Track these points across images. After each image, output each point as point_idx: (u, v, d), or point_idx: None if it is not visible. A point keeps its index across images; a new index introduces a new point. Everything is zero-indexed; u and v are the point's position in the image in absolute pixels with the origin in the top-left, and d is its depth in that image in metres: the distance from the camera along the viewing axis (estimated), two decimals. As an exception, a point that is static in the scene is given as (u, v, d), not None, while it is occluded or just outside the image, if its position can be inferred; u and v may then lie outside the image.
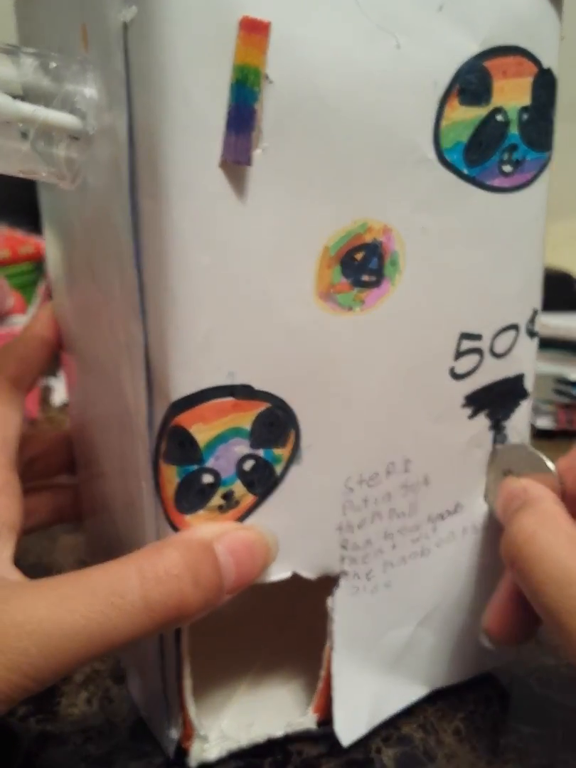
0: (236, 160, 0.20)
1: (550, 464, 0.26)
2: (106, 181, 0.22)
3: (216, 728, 0.27)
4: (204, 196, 0.20)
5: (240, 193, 0.20)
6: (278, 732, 0.27)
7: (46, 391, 0.59)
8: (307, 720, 0.27)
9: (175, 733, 0.25)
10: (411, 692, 0.29)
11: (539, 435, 0.58)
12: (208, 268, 0.21)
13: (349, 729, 0.26)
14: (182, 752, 0.26)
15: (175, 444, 0.22)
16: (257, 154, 0.20)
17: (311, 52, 0.20)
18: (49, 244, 0.30)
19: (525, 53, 0.23)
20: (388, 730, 0.28)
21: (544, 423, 0.58)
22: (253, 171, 0.20)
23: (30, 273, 0.62)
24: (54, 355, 0.31)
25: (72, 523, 0.36)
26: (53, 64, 0.22)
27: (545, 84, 0.24)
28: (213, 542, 0.22)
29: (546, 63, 0.24)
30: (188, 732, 0.25)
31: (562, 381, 0.61)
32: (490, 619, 0.26)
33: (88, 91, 0.22)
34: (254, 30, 0.19)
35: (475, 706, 0.30)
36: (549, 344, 0.69)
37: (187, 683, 0.25)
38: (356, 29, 0.21)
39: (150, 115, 0.20)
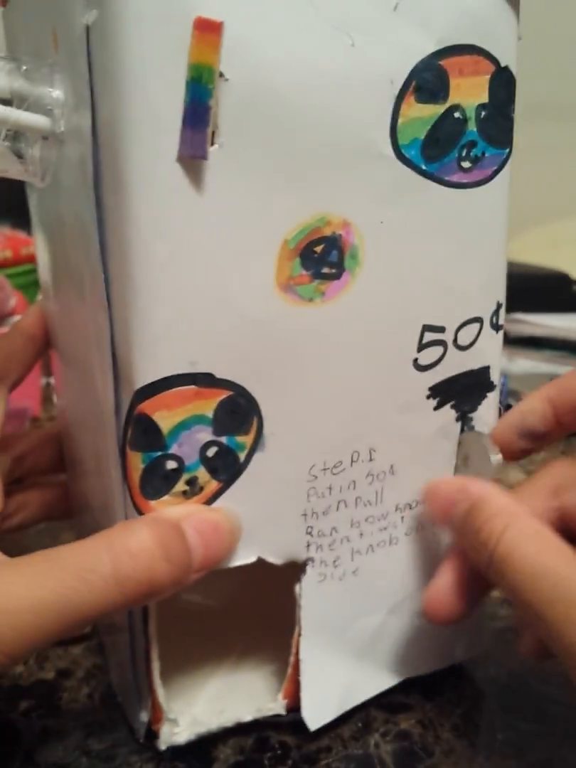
0: (192, 154, 0.21)
1: (493, 456, 0.27)
2: (75, 179, 0.23)
3: (188, 713, 0.27)
4: (162, 190, 0.21)
5: (197, 187, 0.21)
6: (247, 717, 0.27)
7: (48, 390, 0.60)
8: (276, 706, 0.27)
9: (144, 716, 0.26)
10: (382, 681, 0.29)
11: None
12: (167, 259, 0.21)
13: (316, 714, 0.27)
14: (152, 735, 0.26)
15: (140, 431, 0.23)
16: (215, 149, 0.21)
17: (266, 51, 0.21)
18: (37, 244, 0.31)
19: (482, 52, 0.24)
20: (386, 725, 0.29)
21: None
22: (211, 165, 0.21)
23: (32, 273, 0.63)
24: (41, 352, 0.32)
25: (62, 519, 0.36)
26: (24, 68, 0.23)
27: (503, 82, 0.25)
28: (181, 521, 0.23)
29: (503, 61, 0.25)
30: (157, 715, 0.26)
31: None
32: (430, 600, 0.26)
33: (56, 92, 0.23)
34: (207, 30, 0.20)
35: (473, 702, 0.30)
36: (546, 344, 0.73)
37: (155, 666, 0.25)
38: (311, 29, 0.21)
39: (111, 113, 0.21)
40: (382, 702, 0.30)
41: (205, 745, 0.27)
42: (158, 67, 0.20)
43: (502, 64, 0.25)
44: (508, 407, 0.65)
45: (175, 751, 0.27)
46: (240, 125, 0.21)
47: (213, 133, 0.21)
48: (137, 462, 0.23)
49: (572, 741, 0.29)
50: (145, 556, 0.21)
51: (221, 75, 0.21)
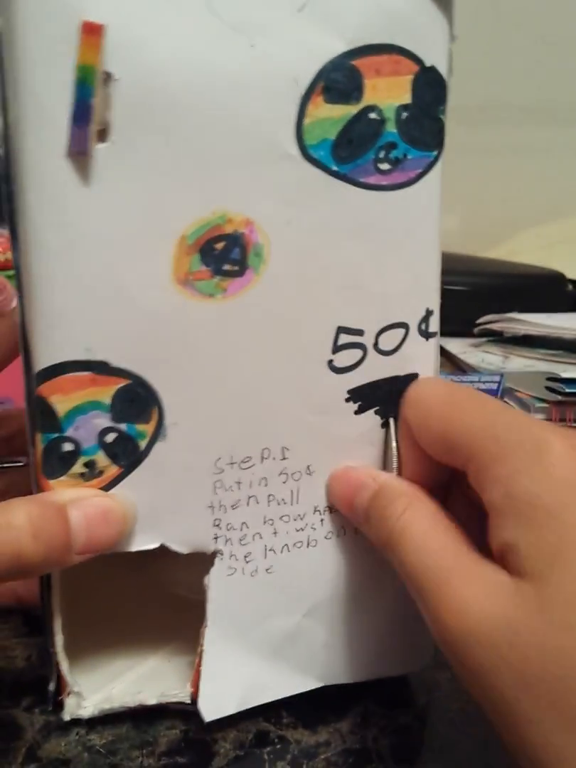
0: (79, 151, 0.21)
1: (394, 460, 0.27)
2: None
3: (106, 689, 0.28)
4: (53, 184, 0.22)
5: (87, 182, 0.22)
6: (152, 701, 0.28)
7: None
8: (181, 693, 0.28)
9: (51, 686, 0.27)
10: (298, 683, 0.29)
11: None
12: (59, 249, 0.22)
13: (212, 706, 0.27)
14: (59, 705, 0.27)
15: (39, 412, 0.24)
16: (106, 146, 0.22)
17: (157, 52, 0.22)
18: None
19: (403, 51, 0.23)
20: (385, 720, 0.29)
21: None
22: (101, 161, 0.22)
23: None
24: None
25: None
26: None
27: (429, 82, 0.24)
28: (68, 504, 0.24)
29: (429, 61, 0.24)
30: (63, 686, 0.27)
31: (554, 379, 0.61)
32: None
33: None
34: (91, 32, 0.21)
35: (471, 697, 0.30)
36: (541, 343, 0.73)
37: (58, 639, 0.26)
38: (206, 29, 0.22)
39: (13, 112, 0.22)
40: (380, 697, 0.30)
41: (205, 740, 0.28)
42: (50, 68, 0.21)
43: (427, 64, 0.24)
44: None
45: (176, 746, 0.27)
46: (131, 123, 0.22)
47: (104, 131, 0.22)
48: (39, 442, 0.24)
49: None
50: (14, 532, 0.22)
51: (110, 75, 0.21)
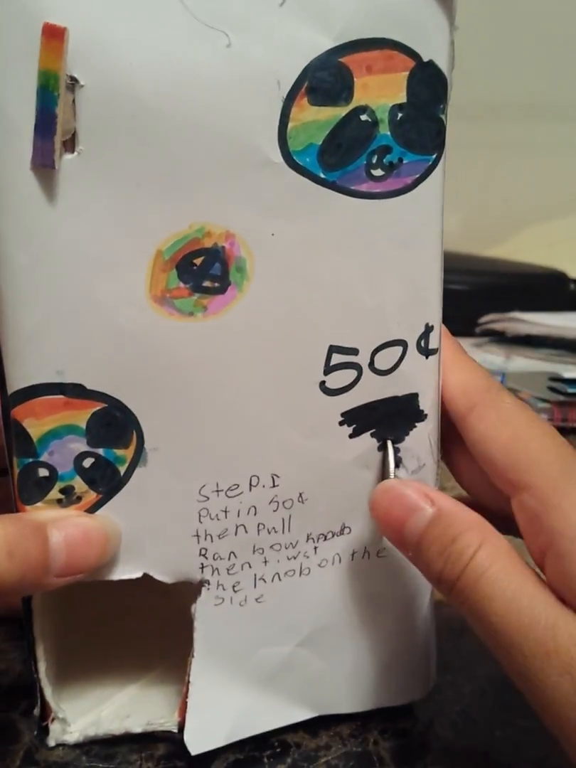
0: (42, 163, 0.20)
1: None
2: None
3: (94, 713, 0.27)
4: (19, 199, 0.21)
5: (54, 196, 0.21)
6: (138, 729, 0.27)
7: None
8: (168, 722, 0.27)
9: (36, 711, 0.26)
10: (290, 714, 0.28)
11: None
12: (28, 267, 0.21)
13: (199, 739, 0.26)
14: (44, 730, 0.26)
15: (14, 435, 0.23)
16: (73, 157, 0.21)
17: (126, 55, 0.20)
18: None
19: (396, 45, 0.22)
20: (385, 723, 0.29)
21: None
22: (68, 174, 0.21)
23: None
24: None
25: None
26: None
27: (426, 79, 0.22)
28: (47, 524, 0.23)
29: (427, 55, 0.22)
30: (47, 712, 0.26)
31: (557, 379, 0.60)
32: None
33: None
34: (53, 35, 0.19)
35: (471, 700, 0.30)
36: (543, 343, 0.72)
37: (41, 665, 0.26)
38: (179, 28, 0.20)
39: None
40: None
41: None
42: (10, 75, 0.20)
43: (425, 59, 0.22)
44: None
45: (175, 750, 0.27)
46: (99, 132, 0.21)
47: (71, 141, 0.20)
48: (15, 466, 0.23)
49: None
50: None
51: (75, 81, 0.20)
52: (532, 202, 1.01)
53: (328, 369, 0.24)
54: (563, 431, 0.56)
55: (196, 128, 0.21)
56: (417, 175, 0.23)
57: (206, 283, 0.22)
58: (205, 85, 0.21)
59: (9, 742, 0.27)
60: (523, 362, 0.69)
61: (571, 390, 0.58)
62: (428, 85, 0.22)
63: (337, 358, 0.24)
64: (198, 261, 0.22)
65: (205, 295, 0.22)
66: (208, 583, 0.25)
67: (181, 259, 0.22)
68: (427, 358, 0.25)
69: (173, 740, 0.27)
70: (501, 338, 0.75)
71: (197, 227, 0.22)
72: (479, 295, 0.78)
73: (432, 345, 0.25)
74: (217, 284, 0.22)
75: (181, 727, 0.26)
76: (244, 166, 0.21)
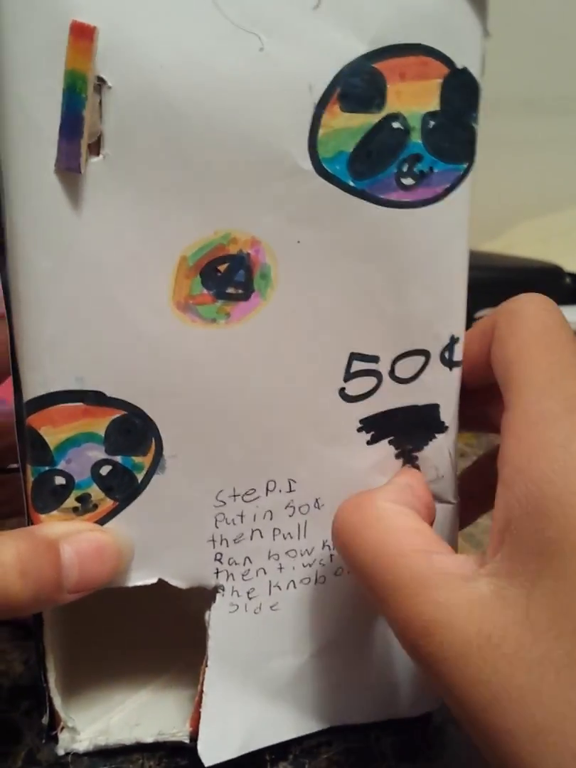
0: (68, 167, 0.20)
1: None
2: None
3: (103, 720, 0.27)
4: (42, 202, 0.20)
5: (79, 200, 0.20)
6: (149, 738, 0.27)
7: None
8: (180, 732, 0.27)
9: (45, 719, 0.26)
10: (305, 725, 0.28)
11: None
12: (50, 272, 0.21)
13: (213, 750, 0.26)
14: (53, 739, 0.26)
15: (29, 444, 0.23)
16: (98, 160, 0.20)
17: (156, 56, 0.20)
18: None
19: (431, 52, 0.21)
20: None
21: None
22: (94, 178, 0.20)
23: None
24: None
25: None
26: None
27: (460, 86, 0.22)
28: (60, 540, 0.23)
29: (461, 62, 0.22)
30: (56, 721, 0.26)
31: None
32: None
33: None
34: (82, 35, 0.19)
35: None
36: None
37: (51, 676, 0.26)
38: (210, 30, 0.20)
39: (2, 124, 0.20)
40: None
41: None
42: (36, 75, 0.19)
43: (459, 66, 0.22)
44: None
45: (177, 747, 0.27)
46: (126, 135, 0.20)
47: (97, 144, 0.20)
48: (29, 474, 0.23)
49: None
50: (0, 570, 0.21)
51: (103, 82, 0.20)
52: (527, 196, 1.01)
53: (349, 376, 0.24)
54: None
55: (225, 132, 0.21)
56: (447, 185, 0.23)
57: (230, 290, 0.22)
58: (236, 88, 0.20)
59: (11, 743, 0.27)
60: None
61: None
62: (461, 92, 0.22)
63: (357, 365, 0.24)
64: (222, 268, 0.22)
65: (229, 301, 0.22)
66: (223, 589, 0.25)
67: (206, 266, 0.22)
68: (450, 369, 0.25)
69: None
70: None
71: (223, 233, 0.21)
72: (475, 289, 0.77)
73: (456, 357, 0.25)
74: (240, 291, 0.22)
75: (193, 737, 0.26)
76: (273, 173, 0.21)
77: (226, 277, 0.22)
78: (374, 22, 0.21)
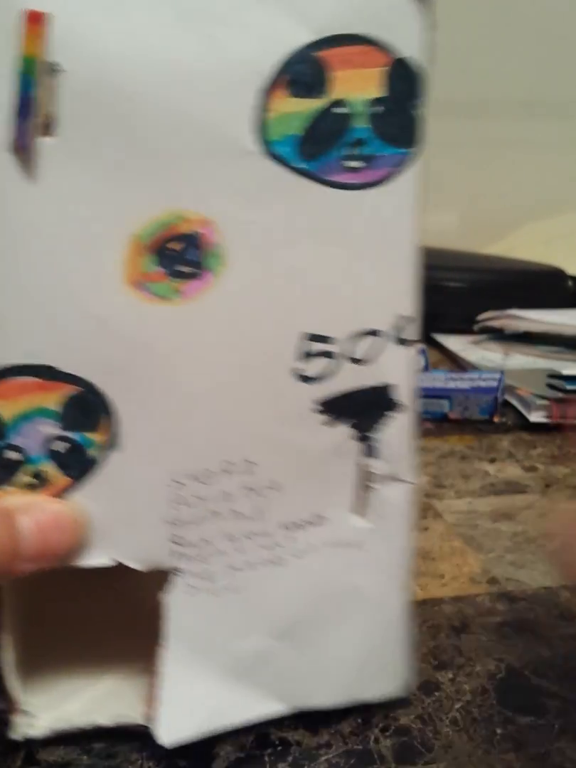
0: (21, 146, 0.21)
1: None
2: None
3: (62, 707, 0.27)
4: (-3, 180, 0.21)
5: (31, 178, 0.22)
6: (107, 722, 0.27)
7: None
8: (136, 715, 0.27)
9: (2, 704, 0.26)
10: (264, 706, 0.28)
11: (534, 429, 0.60)
12: (3, 248, 0.22)
13: (171, 730, 0.26)
14: (8, 723, 0.27)
15: None
16: (51, 141, 0.21)
17: (107, 42, 0.21)
18: None
19: (373, 42, 0.23)
20: (385, 720, 0.29)
21: (538, 417, 0.60)
22: (46, 157, 0.21)
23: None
24: None
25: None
26: None
27: (402, 74, 0.23)
28: (16, 510, 0.23)
29: (404, 52, 0.23)
30: (12, 706, 0.26)
31: (555, 376, 0.61)
32: None
33: None
34: (35, 21, 0.20)
35: (472, 697, 0.31)
36: (541, 340, 0.74)
37: (7, 659, 0.26)
38: (160, 18, 0.21)
39: None
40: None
41: (206, 742, 0.28)
42: None
43: (401, 56, 0.23)
44: (504, 404, 0.63)
45: (176, 749, 0.27)
46: (78, 117, 0.21)
47: (50, 125, 0.21)
48: None
49: (570, 734, 0.29)
50: None
51: (56, 66, 0.21)
52: (529, 198, 1.03)
53: (304, 356, 0.24)
54: (562, 428, 0.58)
55: (176, 116, 0.22)
56: (392, 168, 0.24)
57: (182, 268, 0.23)
58: (186, 74, 0.21)
59: (11, 743, 0.27)
60: (521, 359, 0.70)
61: (569, 387, 0.59)
62: (404, 80, 0.23)
63: (312, 346, 0.24)
64: (175, 246, 0.23)
65: (181, 279, 0.23)
66: (181, 571, 0.26)
67: (158, 244, 0.23)
68: (403, 349, 0.25)
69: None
70: (499, 335, 0.76)
71: (174, 213, 0.22)
72: (477, 292, 0.80)
73: (408, 336, 0.25)
74: (193, 269, 0.23)
75: (150, 719, 0.27)
76: (223, 155, 0.22)
77: (179, 255, 0.23)
78: (318, 12, 0.22)
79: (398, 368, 0.26)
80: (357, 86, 0.23)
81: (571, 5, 1.01)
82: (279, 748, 0.28)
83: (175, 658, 0.26)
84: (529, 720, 0.29)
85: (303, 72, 0.22)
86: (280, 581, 0.27)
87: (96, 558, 0.25)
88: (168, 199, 0.22)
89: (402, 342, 0.25)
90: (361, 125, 0.23)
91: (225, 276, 0.23)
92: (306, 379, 0.25)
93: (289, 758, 0.27)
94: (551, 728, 0.29)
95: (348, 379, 0.25)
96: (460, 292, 0.79)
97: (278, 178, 0.23)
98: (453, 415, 0.60)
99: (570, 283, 0.86)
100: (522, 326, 0.74)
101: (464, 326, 0.78)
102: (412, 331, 0.26)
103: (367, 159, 0.23)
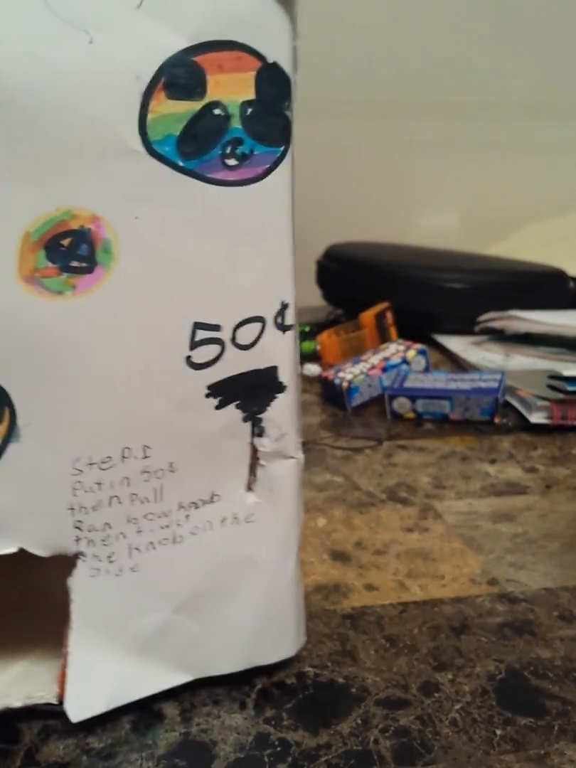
0: None
1: None
2: None
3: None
4: None
5: None
6: (17, 703, 0.28)
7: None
8: (47, 695, 0.28)
9: None
10: (169, 677, 0.30)
11: (535, 430, 0.60)
12: None
13: (80, 706, 0.28)
14: None
15: None
16: None
17: None
18: None
19: (244, 48, 0.25)
20: (386, 721, 0.30)
21: (539, 418, 0.60)
22: None
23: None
24: None
25: None
26: None
27: (272, 78, 0.25)
28: None
29: (272, 57, 0.25)
30: None
31: (556, 377, 0.62)
32: None
33: None
34: None
35: (472, 698, 0.31)
36: (543, 341, 0.75)
37: None
38: (43, 27, 0.22)
39: None
40: (380, 698, 0.31)
41: (205, 743, 0.28)
42: None
43: (270, 61, 0.25)
44: (505, 404, 0.61)
45: (175, 749, 0.28)
46: (-35, 119, 0.23)
47: None
48: None
49: (569, 736, 0.29)
50: None
51: None
52: (531, 200, 1.05)
53: (193, 344, 0.26)
54: (563, 429, 0.59)
55: (62, 119, 0.23)
56: (267, 166, 0.26)
57: (74, 263, 0.24)
58: (70, 79, 0.23)
59: (10, 742, 0.28)
60: (522, 360, 0.71)
61: (570, 388, 0.60)
62: (274, 84, 0.25)
63: (201, 334, 0.26)
64: (65, 242, 0.24)
65: (74, 274, 0.24)
66: (84, 555, 0.27)
67: (49, 240, 0.24)
68: (284, 333, 0.28)
69: (173, 738, 0.28)
70: (500, 336, 0.77)
71: (64, 210, 0.24)
72: (478, 293, 0.80)
73: (288, 321, 0.28)
74: (84, 264, 0.24)
75: (60, 698, 0.28)
76: (108, 154, 0.24)
77: (70, 251, 0.24)
78: (192, 20, 0.24)
79: (280, 351, 0.28)
80: (231, 89, 0.25)
81: (573, 8, 1.02)
82: (278, 748, 0.28)
83: (80, 638, 0.28)
84: (528, 721, 0.30)
85: (180, 75, 0.24)
86: (179, 558, 0.29)
87: (2, 547, 0.26)
88: (58, 197, 0.24)
89: (283, 327, 0.27)
90: (237, 126, 0.25)
91: (115, 270, 0.25)
92: (196, 365, 0.27)
93: (289, 759, 0.28)
94: (551, 729, 0.29)
95: (235, 364, 0.27)
96: (461, 293, 0.79)
97: (162, 176, 0.24)
98: (454, 416, 0.61)
99: (571, 284, 0.86)
100: (523, 327, 0.74)
101: (465, 327, 0.78)
102: (292, 316, 0.28)
103: (244, 158, 0.25)
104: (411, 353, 0.67)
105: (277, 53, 0.25)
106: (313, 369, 0.74)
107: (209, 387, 0.27)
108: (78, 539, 0.27)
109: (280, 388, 0.28)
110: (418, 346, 0.68)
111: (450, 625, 0.35)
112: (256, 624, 0.30)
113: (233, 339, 0.27)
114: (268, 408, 0.28)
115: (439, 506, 0.48)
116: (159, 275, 0.25)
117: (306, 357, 0.78)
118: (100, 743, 0.28)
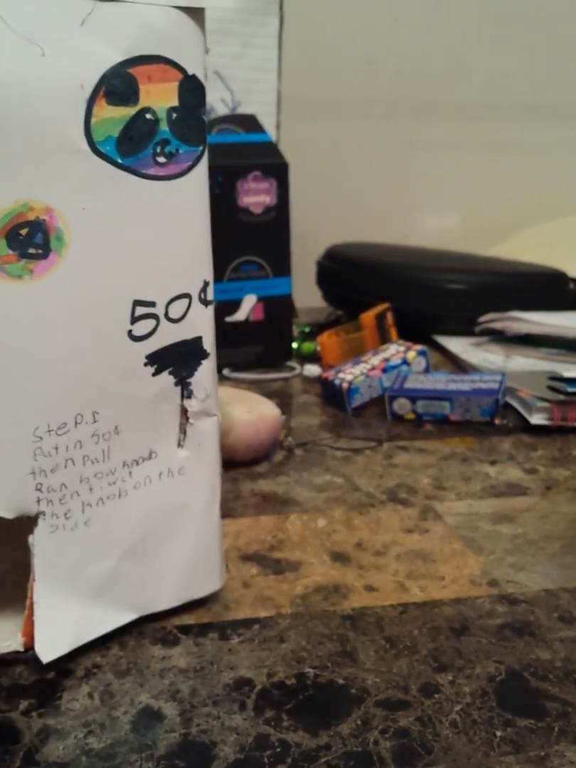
0: None
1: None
2: None
3: None
4: None
5: None
6: None
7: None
8: (14, 643, 0.32)
9: None
10: (119, 617, 0.34)
11: (535, 431, 0.61)
12: None
13: (48, 648, 0.31)
14: None
15: None
16: None
17: None
18: None
19: (168, 61, 0.29)
20: (385, 722, 0.30)
21: (539, 419, 0.61)
22: None
23: None
24: None
25: None
26: None
27: (191, 88, 0.30)
28: None
29: (190, 70, 0.30)
30: None
31: (556, 378, 0.63)
32: None
33: None
34: None
35: (472, 699, 0.32)
36: (543, 342, 0.75)
37: None
38: (3, 41, 0.26)
39: None
40: (380, 699, 0.32)
41: (205, 743, 0.29)
42: None
43: (189, 73, 0.30)
44: (506, 405, 0.65)
45: (175, 749, 0.29)
46: None
47: None
48: None
49: (569, 737, 0.30)
50: None
51: None
52: (532, 201, 1.06)
53: (134, 319, 0.30)
54: (563, 430, 0.61)
55: (18, 123, 0.26)
56: (190, 162, 0.30)
57: (31, 250, 0.28)
58: (25, 87, 0.26)
59: (9, 742, 0.28)
60: (522, 361, 0.71)
61: (570, 389, 0.60)
62: (193, 92, 0.30)
63: (140, 310, 0.31)
64: (23, 232, 0.27)
65: (31, 260, 0.28)
66: (44, 514, 0.30)
67: (9, 230, 0.27)
68: (206, 307, 0.32)
69: (173, 739, 0.29)
70: (500, 337, 0.77)
71: (22, 203, 0.27)
72: (479, 294, 0.80)
73: (208, 297, 0.32)
74: (40, 251, 0.28)
75: (26, 646, 0.31)
76: (59, 153, 0.27)
77: (27, 239, 0.28)
78: (126, 36, 0.28)
79: (204, 323, 0.33)
80: (159, 97, 0.29)
81: (573, 8, 1.02)
82: (278, 749, 0.29)
83: (43, 588, 0.31)
84: (528, 722, 0.30)
85: (117, 85, 0.28)
86: (124, 511, 0.33)
87: None
88: (16, 191, 0.27)
89: (205, 302, 0.32)
90: (165, 129, 0.29)
91: (67, 255, 0.28)
92: (136, 338, 0.31)
93: (288, 760, 0.28)
94: (551, 731, 0.30)
95: (168, 336, 0.32)
96: (461, 295, 0.79)
97: (105, 172, 0.28)
98: (454, 417, 0.62)
99: (572, 285, 0.85)
100: (523, 328, 0.74)
101: (466, 328, 0.78)
102: (210, 292, 0.32)
103: (171, 156, 0.30)
104: (411, 354, 0.67)
105: (194, 66, 0.29)
106: (313, 370, 0.75)
107: (147, 356, 0.31)
108: (39, 500, 0.30)
109: (205, 355, 0.33)
110: (419, 347, 0.69)
111: (450, 626, 0.36)
112: (190, 563, 0.35)
113: (166, 314, 0.31)
114: (195, 373, 0.33)
115: (440, 507, 0.49)
116: (103, 259, 0.29)
117: (306, 358, 0.78)
118: (99, 743, 0.29)
